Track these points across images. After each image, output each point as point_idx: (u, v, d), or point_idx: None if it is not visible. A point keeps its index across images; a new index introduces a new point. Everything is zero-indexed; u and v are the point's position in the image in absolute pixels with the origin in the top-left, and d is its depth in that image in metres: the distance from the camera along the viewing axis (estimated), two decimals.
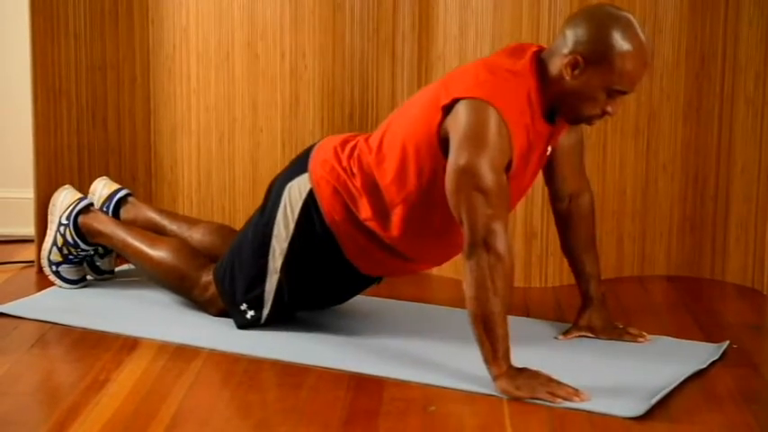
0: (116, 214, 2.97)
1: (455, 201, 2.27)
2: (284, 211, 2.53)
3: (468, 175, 2.24)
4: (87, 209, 2.91)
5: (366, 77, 3.14)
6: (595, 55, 2.26)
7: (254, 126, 3.21)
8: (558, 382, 2.22)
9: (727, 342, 2.55)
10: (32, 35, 3.03)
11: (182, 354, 2.46)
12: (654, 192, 3.12)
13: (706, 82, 3.07)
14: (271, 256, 2.55)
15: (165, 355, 2.46)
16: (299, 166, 2.58)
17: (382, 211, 2.45)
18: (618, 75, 2.27)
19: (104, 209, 2.97)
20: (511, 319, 2.25)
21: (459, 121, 2.28)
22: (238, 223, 3.13)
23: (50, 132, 3.11)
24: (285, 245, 2.53)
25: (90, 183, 3.07)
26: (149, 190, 3.29)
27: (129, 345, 2.52)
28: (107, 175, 3.15)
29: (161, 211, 2.98)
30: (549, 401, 2.19)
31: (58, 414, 2.13)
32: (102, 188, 3.02)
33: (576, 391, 2.20)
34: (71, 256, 2.91)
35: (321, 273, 2.56)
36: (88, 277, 2.97)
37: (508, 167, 2.29)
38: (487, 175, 2.23)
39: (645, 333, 2.58)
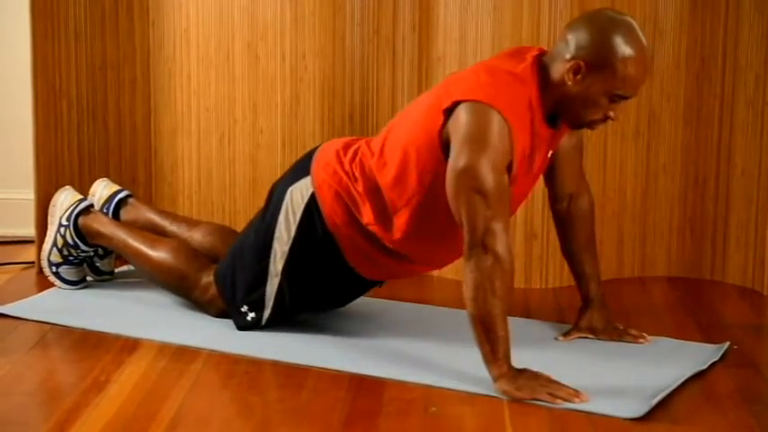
0: (116, 215, 2.97)
1: (455, 203, 2.27)
2: (286, 215, 2.53)
3: (468, 176, 2.24)
4: (87, 210, 2.91)
5: (366, 79, 3.14)
6: (598, 60, 2.26)
7: (254, 127, 3.21)
8: (559, 383, 2.22)
9: (728, 343, 2.55)
10: (33, 35, 3.03)
11: (182, 355, 2.46)
12: (654, 193, 3.12)
13: (706, 83, 3.07)
14: (272, 259, 2.55)
15: (165, 356, 2.46)
16: (300, 169, 2.57)
17: (384, 215, 2.45)
18: (620, 80, 2.26)
19: (105, 210, 2.97)
20: (511, 320, 2.25)
21: (460, 123, 2.27)
22: (239, 224, 3.13)
23: (50, 133, 3.11)
24: (286, 248, 2.53)
25: (90, 183, 3.07)
26: (149, 190, 3.29)
27: (130, 346, 2.52)
28: (107, 175, 3.15)
29: (161, 213, 2.98)
30: (550, 402, 2.19)
31: (59, 415, 2.13)
32: (102, 189, 3.02)
33: (577, 392, 2.20)
34: (71, 257, 2.91)
35: (322, 276, 2.56)
36: (88, 278, 2.97)
37: (509, 170, 2.29)
38: (488, 176, 2.23)
39: (645, 334, 2.58)
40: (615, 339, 2.57)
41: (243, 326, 2.60)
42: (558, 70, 2.31)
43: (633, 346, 2.55)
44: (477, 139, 2.24)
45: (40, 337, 2.59)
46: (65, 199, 2.93)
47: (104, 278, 3.00)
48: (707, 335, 2.65)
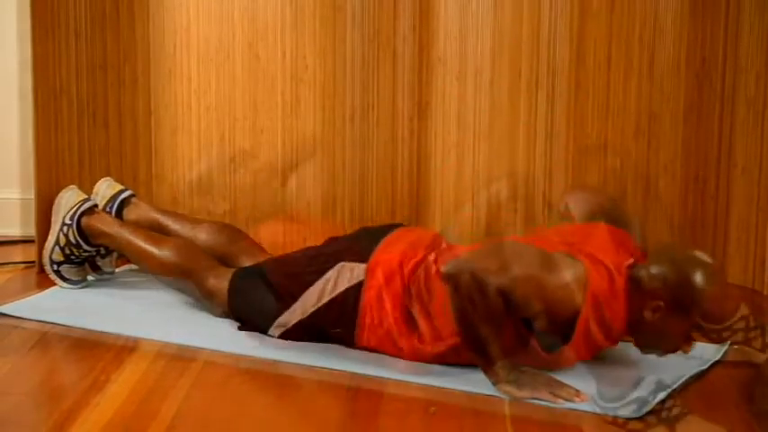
0: (119, 215, 2.97)
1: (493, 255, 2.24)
2: (325, 283, 2.48)
3: (523, 259, 2.21)
4: (91, 210, 2.91)
5: (366, 79, 3.14)
6: (678, 303, 2.23)
7: (254, 126, 3.21)
8: (559, 383, 2.22)
9: (728, 343, 2.55)
10: (33, 34, 3.02)
11: (182, 355, 2.46)
12: (654, 192, 3.12)
13: (707, 83, 3.07)
14: (289, 311, 2.52)
15: (165, 356, 2.46)
16: (364, 248, 2.49)
17: (420, 333, 2.40)
18: (700, 317, 2.24)
19: (108, 210, 2.97)
20: None
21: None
22: (239, 224, 3.13)
23: (51, 132, 3.11)
24: (308, 311, 2.51)
25: (91, 183, 3.07)
26: (150, 190, 3.29)
27: (130, 345, 2.52)
28: (107, 175, 3.15)
29: (164, 212, 2.98)
30: (551, 401, 2.19)
31: (58, 415, 2.13)
32: (105, 189, 3.02)
33: (577, 392, 2.20)
34: (73, 256, 2.91)
35: (326, 339, 2.53)
36: (89, 277, 2.97)
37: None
38: (543, 274, 2.20)
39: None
40: None
41: (244, 327, 2.60)
42: (638, 302, 2.26)
43: (633, 347, 2.54)
44: (551, 264, 2.22)
45: (40, 337, 2.58)
46: (69, 198, 2.93)
47: (105, 278, 3.00)
48: (707, 335, 2.64)
